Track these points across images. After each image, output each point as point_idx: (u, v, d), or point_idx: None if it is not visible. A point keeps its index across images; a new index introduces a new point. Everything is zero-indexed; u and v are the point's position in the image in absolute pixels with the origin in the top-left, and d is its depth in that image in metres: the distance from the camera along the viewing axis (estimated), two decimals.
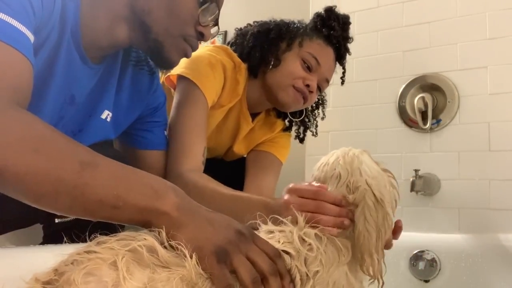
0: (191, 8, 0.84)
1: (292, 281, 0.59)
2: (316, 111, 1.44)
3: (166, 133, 1.08)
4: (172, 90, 1.19)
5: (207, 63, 1.14)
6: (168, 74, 1.16)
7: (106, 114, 0.92)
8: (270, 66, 1.20)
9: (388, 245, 0.76)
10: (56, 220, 0.93)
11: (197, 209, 0.60)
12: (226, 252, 0.55)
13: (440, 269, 1.42)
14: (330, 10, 1.27)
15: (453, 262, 1.42)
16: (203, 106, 1.10)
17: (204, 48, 1.22)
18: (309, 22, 1.29)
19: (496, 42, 1.52)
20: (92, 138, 0.92)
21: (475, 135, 1.52)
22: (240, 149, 1.36)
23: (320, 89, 1.27)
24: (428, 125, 1.57)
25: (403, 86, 1.67)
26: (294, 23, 1.28)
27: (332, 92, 1.83)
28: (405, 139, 1.65)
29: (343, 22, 1.27)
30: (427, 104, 1.58)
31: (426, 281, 1.43)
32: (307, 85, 1.20)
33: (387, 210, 0.69)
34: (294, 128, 1.45)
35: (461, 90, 1.57)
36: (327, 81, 1.27)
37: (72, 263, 0.45)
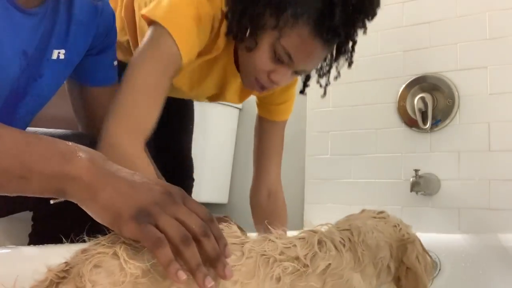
0: None
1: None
2: (333, 63, 1.06)
3: (115, 63, 1.01)
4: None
5: (193, 17, 0.92)
6: (144, 13, 0.94)
7: (57, 53, 0.86)
8: (243, 46, 0.98)
9: None
10: (51, 202, 0.91)
11: (115, 171, 0.53)
12: (148, 213, 0.49)
13: (440, 269, 1.42)
14: None
15: (453, 262, 1.42)
16: (173, 64, 0.90)
17: None
18: None
19: (496, 42, 1.52)
20: (54, 81, 0.88)
21: (475, 135, 1.52)
22: (232, 99, 1.19)
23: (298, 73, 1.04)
24: (428, 125, 1.57)
25: (403, 86, 1.67)
26: None
27: (332, 92, 1.83)
28: (405, 139, 1.65)
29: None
30: (427, 104, 1.58)
31: None
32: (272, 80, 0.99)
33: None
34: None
35: (461, 90, 1.57)
36: (307, 71, 1.05)
37: (79, 258, 0.49)
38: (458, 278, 1.40)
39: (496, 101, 1.50)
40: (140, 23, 1.09)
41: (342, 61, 1.04)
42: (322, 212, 1.77)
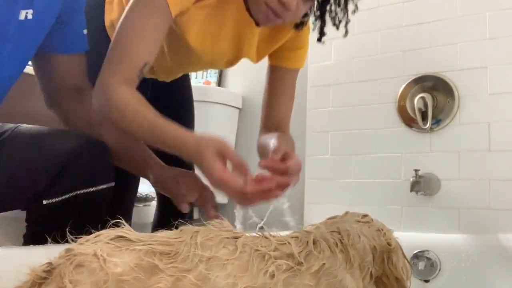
0: None
1: None
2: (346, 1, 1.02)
3: (85, 31, 1.01)
4: None
5: None
6: None
7: (25, 14, 0.84)
8: None
9: None
10: (44, 202, 0.89)
11: None
12: None
13: (440, 269, 1.42)
14: None
15: (453, 262, 1.42)
16: (162, 13, 0.88)
17: None
18: None
19: (496, 42, 1.52)
20: (24, 42, 0.86)
21: (475, 135, 1.52)
22: (251, 54, 1.15)
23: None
24: (428, 125, 1.57)
25: (403, 86, 1.67)
26: None
27: (332, 92, 1.83)
28: (405, 139, 1.64)
29: None
30: (427, 104, 1.58)
31: (426, 281, 1.43)
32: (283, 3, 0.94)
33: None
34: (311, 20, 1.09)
35: (461, 90, 1.56)
36: None
37: (63, 259, 0.49)
38: (458, 278, 1.40)
39: (496, 101, 1.50)
40: None
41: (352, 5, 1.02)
42: (322, 212, 1.76)
